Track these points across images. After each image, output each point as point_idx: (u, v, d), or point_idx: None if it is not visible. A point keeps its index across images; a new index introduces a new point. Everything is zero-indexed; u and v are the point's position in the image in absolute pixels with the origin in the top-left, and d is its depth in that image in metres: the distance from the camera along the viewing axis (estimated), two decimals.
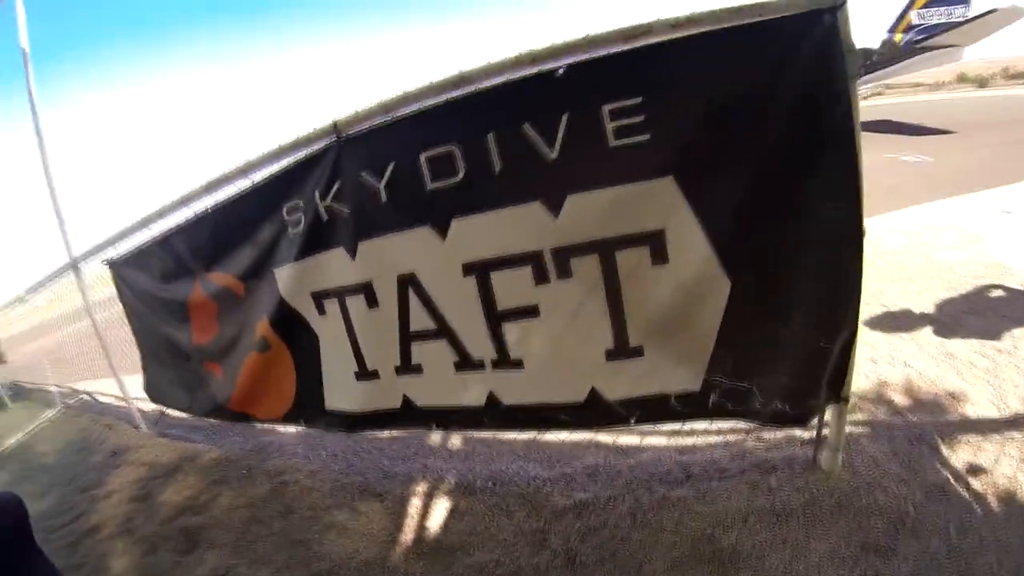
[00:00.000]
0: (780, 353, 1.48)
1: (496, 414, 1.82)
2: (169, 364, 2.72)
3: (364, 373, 2.00)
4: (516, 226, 1.51)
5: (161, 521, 2.36)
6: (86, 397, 4.68)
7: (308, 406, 2.25)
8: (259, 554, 2.03)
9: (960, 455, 1.76)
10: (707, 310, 1.46)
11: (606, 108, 1.35)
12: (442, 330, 1.76)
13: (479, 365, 1.76)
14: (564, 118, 1.40)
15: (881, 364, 2.41)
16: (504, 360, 1.70)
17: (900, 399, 2.16)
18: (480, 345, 1.72)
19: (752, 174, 1.33)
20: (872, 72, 13.38)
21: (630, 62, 1.35)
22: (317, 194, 1.79)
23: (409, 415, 1.99)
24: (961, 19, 12.80)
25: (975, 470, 1.70)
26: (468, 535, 1.83)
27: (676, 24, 1.31)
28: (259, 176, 1.93)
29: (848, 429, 1.98)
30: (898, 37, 13.48)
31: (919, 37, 13.12)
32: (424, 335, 1.81)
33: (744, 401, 1.54)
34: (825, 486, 1.71)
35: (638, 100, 1.33)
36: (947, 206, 4.76)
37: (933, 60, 13.33)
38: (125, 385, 3.14)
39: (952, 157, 7.41)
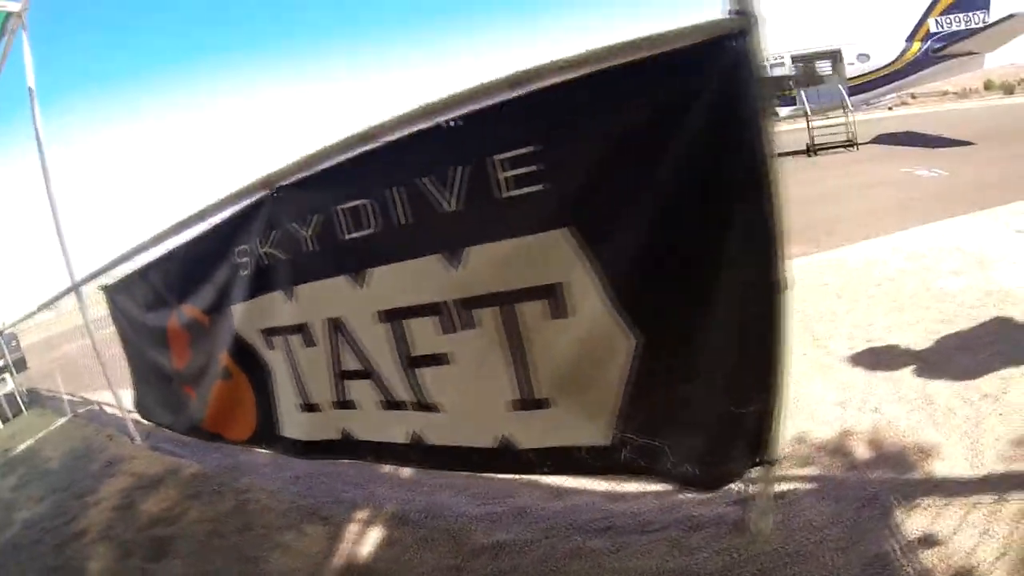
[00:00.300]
0: (690, 415, 1.46)
1: (421, 452, 1.97)
2: (155, 384, 3.04)
3: (307, 405, 2.19)
4: (421, 277, 1.62)
5: (138, 529, 2.66)
6: (95, 407, 5.12)
7: (266, 432, 2.47)
8: (215, 567, 2.26)
9: (915, 521, 1.67)
10: (612, 366, 1.46)
11: (498, 159, 1.38)
12: (368, 371, 1.93)
13: (402, 405, 1.92)
14: (459, 171, 1.45)
15: (849, 409, 2.36)
16: (422, 403, 1.84)
17: (861, 452, 2.09)
18: (400, 388, 1.86)
19: (656, 224, 1.30)
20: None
21: (521, 109, 1.36)
22: (258, 241, 1.99)
23: (348, 447, 2.18)
24: (980, 25, 12.50)
25: (929, 540, 1.60)
26: (392, 564, 1.99)
27: (566, 65, 1.28)
28: (214, 220, 2.22)
29: (793, 486, 1.96)
30: (916, 46, 13.16)
31: (938, 45, 12.91)
32: (353, 375, 1.97)
33: (656, 460, 1.54)
34: (749, 551, 1.67)
35: (530, 149, 1.34)
36: (954, 225, 4.68)
37: (953, 69, 13.14)
38: (122, 399, 3.53)
39: (968, 170, 7.31)
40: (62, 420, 4.97)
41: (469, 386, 1.73)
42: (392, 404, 1.95)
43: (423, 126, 1.51)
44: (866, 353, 2.83)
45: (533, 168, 1.35)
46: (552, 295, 1.46)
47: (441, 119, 1.47)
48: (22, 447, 4.62)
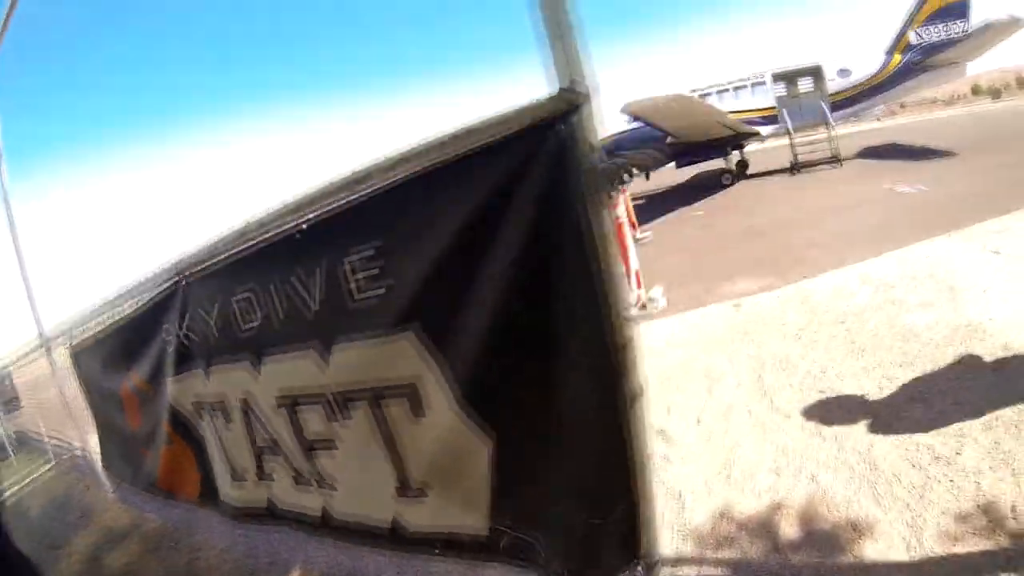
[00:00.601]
0: (553, 517, 1.49)
1: (331, 526, 2.08)
2: (116, 442, 3.29)
3: (235, 475, 2.35)
4: (302, 368, 1.76)
5: None
6: (78, 453, 5.28)
7: (208, 496, 2.65)
8: None
9: None
10: (475, 464, 1.50)
11: (347, 260, 1.48)
12: (277, 449, 2.10)
13: (309, 482, 2.08)
14: (318, 271, 1.58)
15: (784, 477, 2.32)
16: (323, 482, 1.98)
17: (787, 530, 2.04)
18: (304, 466, 2.01)
19: (495, 324, 1.31)
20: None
21: (360, 211, 1.45)
22: (177, 322, 2.18)
23: (274, 515, 2.33)
24: (960, 35, 12.81)
25: None
26: None
27: (390, 166, 1.33)
28: (146, 297, 2.46)
29: (704, 570, 1.95)
30: (896, 58, 13.46)
31: (918, 57, 13.25)
32: (267, 451, 2.11)
33: (531, 554, 1.56)
34: None
35: (372, 251, 1.43)
36: (929, 249, 4.66)
37: (935, 79, 13.55)
38: (96, 449, 3.87)
39: (948, 185, 7.40)
40: (47, 467, 5.28)
41: (357, 470, 1.84)
42: (302, 480, 2.11)
43: (287, 226, 1.65)
44: (815, 407, 2.81)
45: (377, 269, 1.45)
46: (409, 394, 1.54)
47: (298, 221, 1.61)
48: (4, 495, 4.91)
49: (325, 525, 2.14)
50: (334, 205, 1.52)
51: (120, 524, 3.49)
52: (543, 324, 1.27)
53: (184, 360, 2.29)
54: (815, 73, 13.95)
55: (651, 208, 13.32)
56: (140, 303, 2.52)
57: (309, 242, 1.60)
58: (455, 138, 1.24)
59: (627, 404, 1.22)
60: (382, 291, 1.47)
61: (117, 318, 2.77)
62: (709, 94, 14.08)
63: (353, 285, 1.52)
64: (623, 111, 12.97)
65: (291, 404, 1.93)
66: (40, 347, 3.72)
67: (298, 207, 1.60)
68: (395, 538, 1.92)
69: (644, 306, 5.42)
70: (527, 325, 1.29)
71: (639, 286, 5.59)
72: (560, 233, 1.17)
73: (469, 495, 1.61)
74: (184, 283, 2.12)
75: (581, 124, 1.11)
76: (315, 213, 1.57)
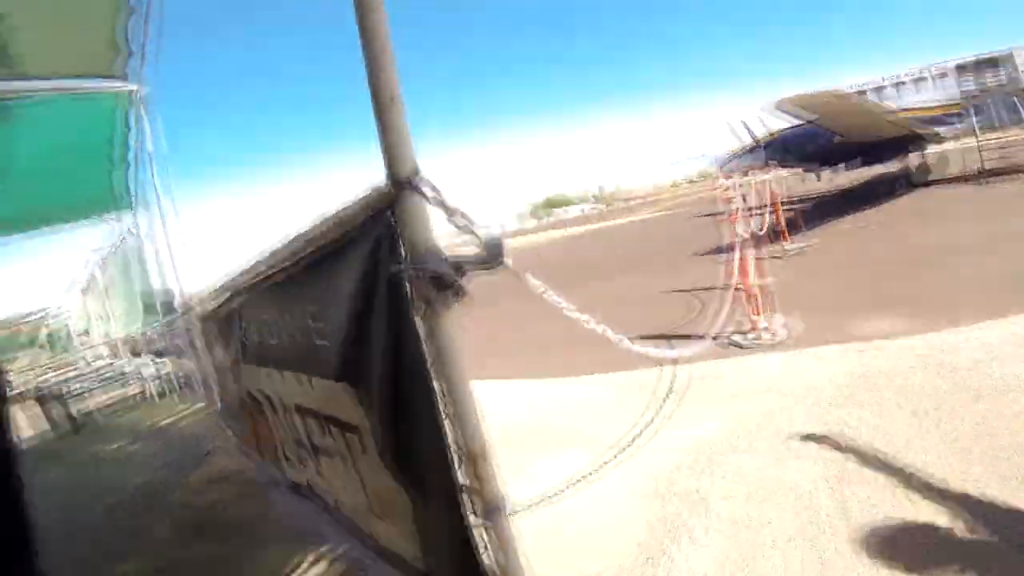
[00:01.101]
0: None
1: (340, 517, 2.54)
2: (229, 401, 4.24)
3: (284, 456, 2.96)
4: (300, 387, 2.14)
5: (196, 509, 3.77)
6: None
7: (277, 464, 3.38)
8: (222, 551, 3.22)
9: None
10: (403, 508, 1.69)
11: (307, 310, 1.81)
12: (301, 443, 2.62)
13: (323, 476, 2.54)
14: (295, 313, 1.96)
15: None
16: (329, 481, 2.43)
17: None
18: (317, 464, 2.44)
19: (392, 393, 1.46)
20: None
21: (303, 276, 1.77)
22: (239, 325, 2.81)
23: (312, 493, 2.92)
24: None
25: None
26: None
27: (298, 245, 1.65)
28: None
29: None
30: None
31: None
32: (298, 444, 2.61)
33: None
34: None
35: (316, 308, 1.75)
36: None
37: None
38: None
39: None
40: (199, 404, 6.38)
41: (345, 481, 2.18)
42: (320, 473, 2.59)
43: (274, 272, 2.05)
44: (890, 531, 2.22)
45: (321, 324, 1.75)
46: (359, 433, 1.81)
47: (278, 270, 1.99)
48: (163, 423, 6.35)
49: (336, 515, 2.57)
50: (294, 263, 1.85)
51: (229, 467, 4.39)
52: (415, 409, 1.40)
53: (248, 354, 2.86)
54: (1007, 63, 11.98)
55: (813, 214, 12.39)
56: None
57: (287, 289, 1.99)
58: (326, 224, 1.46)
59: (479, 519, 1.27)
60: (325, 343, 1.77)
61: (216, 307, 3.49)
62: (883, 88, 12.88)
63: (313, 333, 1.84)
64: (778, 107, 12.15)
65: (300, 413, 2.35)
66: (183, 313, 4.78)
67: (274, 260, 1.99)
68: (377, 545, 2.26)
69: (759, 336, 5.06)
70: (401, 412, 1.46)
71: (756, 312, 5.22)
72: (400, 330, 1.28)
73: (406, 532, 1.84)
74: (234, 297, 2.65)
75: (407, 215, 1.13)
76: (285, 267, 1.93)
